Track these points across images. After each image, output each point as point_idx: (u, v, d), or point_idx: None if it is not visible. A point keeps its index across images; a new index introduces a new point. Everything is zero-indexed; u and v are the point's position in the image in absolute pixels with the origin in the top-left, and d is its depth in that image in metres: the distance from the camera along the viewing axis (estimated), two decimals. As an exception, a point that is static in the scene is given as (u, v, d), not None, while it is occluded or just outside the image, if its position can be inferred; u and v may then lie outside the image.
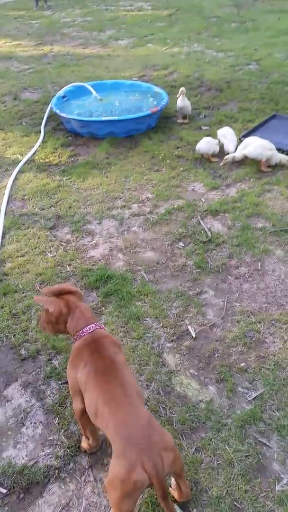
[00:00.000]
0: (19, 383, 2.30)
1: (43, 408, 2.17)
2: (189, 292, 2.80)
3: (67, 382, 2.24)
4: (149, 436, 1.43)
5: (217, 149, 4.18)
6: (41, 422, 2.12)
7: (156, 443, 1.42)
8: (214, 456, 1.94)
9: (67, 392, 2.22)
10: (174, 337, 2.49)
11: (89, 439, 1.91)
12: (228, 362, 2.35)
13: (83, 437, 1.95)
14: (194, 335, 2.49)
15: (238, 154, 4.04)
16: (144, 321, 2.60)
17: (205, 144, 4.18)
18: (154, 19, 10.03)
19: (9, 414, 2.16)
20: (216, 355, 2.39)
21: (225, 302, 2.71)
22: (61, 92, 5.20)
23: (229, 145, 4.16)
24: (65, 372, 2.28)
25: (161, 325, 2.57)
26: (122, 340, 2.47)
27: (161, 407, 2.14)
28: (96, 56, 7.54)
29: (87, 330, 1.75)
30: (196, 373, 2.30)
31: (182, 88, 4.74)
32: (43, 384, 2.28)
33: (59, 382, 2.28)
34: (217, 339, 2.48)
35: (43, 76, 6.61)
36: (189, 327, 2.55)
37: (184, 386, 2.24)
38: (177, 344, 2.46)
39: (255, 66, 6.69)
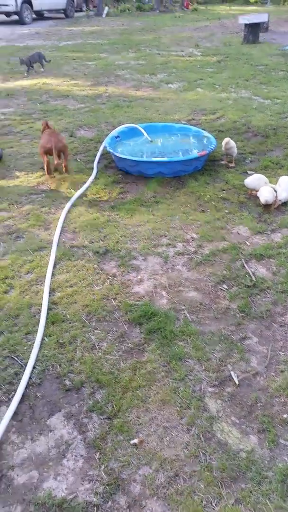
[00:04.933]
0: (62, 414, 2.35)
1: (84, 442, 2.21)
2: (232, 336, 2.81)
3: (109, 418, 2.29)
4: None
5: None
6: (82, 455, 2.15)
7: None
8: (254, 510, 1.90)
9: (109, 427, 2.26)
10: (216, 382, 2.49)
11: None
12: (271, 412, 2.32)
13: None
14: (237, 382, 2.48)
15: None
16: (186, 362, 2.62)
17: (255, 180, 4.31)
18: (203, 64, 10.49)
19: (51, 444, 2.21)
20: (258, 404, 2.37)
21: (269, 350, 2.70)
22: (114, 132, 5.50)
23: (282, 193, 4.23)
24: (108, 408, 2.33)
25: (203, 368, 2.59)
26: (164, 380, 2.50)
27: (201, 452, 2.13)
28: (147, 98, 7.93)
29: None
30: (238, 421, 2.28)
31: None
32: (86, 417, 2.33)
33: (101, 417, 2.31)
34: (260, 388, 2.46)
35: (97, 116, 7.01)
36: (232, 373, 2.55)
37: (225, 433, 2.22)
38: (219, 389, 2.46)
39: (303, 114, 6.82)
